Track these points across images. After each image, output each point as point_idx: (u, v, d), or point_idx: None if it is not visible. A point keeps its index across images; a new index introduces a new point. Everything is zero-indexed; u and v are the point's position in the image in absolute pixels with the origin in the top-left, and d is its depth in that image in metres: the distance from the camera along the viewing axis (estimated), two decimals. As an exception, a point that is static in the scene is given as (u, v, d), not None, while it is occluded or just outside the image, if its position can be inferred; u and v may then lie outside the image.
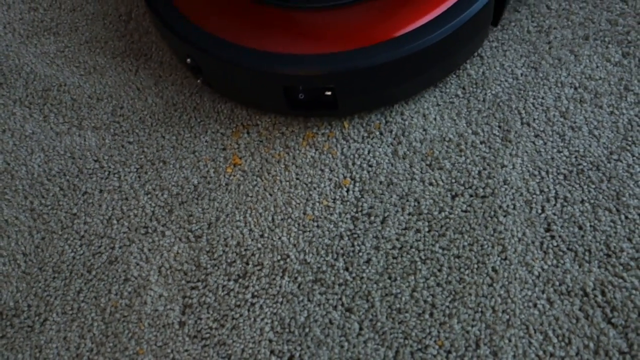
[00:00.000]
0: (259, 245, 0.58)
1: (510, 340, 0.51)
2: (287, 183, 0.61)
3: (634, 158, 0.58)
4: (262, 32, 0.61)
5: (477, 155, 0.61)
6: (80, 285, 0.57)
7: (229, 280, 0.56)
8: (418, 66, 0.61)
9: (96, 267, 0.58)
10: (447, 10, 0.60)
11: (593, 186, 0.57)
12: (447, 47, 0.61)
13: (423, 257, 0.56)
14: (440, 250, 0.56)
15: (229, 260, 0.57)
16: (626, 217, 0.55)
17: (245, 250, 0.58)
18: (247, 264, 0.57)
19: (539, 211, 0.57)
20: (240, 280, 0.56)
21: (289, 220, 0.59)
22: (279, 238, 0.58)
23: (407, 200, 0.59)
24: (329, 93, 0.61)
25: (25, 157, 0.66)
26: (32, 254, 0.60)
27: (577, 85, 0.64)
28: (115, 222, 0.61)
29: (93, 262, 0.59)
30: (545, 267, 0.54)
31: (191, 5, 0.64)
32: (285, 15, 0.62)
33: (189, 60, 0.64)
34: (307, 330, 0.53)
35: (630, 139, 0.60)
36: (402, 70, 0.60)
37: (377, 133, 0.63)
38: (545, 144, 0.61)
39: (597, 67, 0.65)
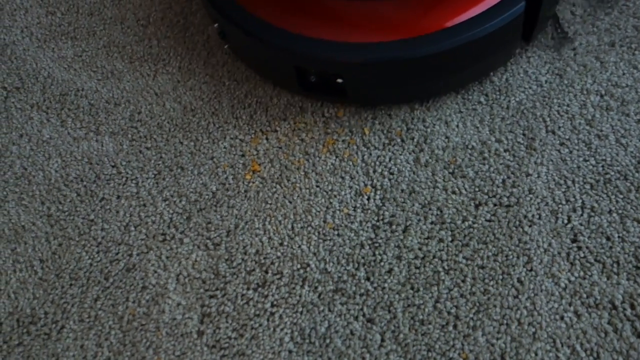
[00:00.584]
0: (279, 254, 0.57)
1: (536, 354, 0.49)
2: (307, 190, 0.60)
3: (663, 167, 0.57)
4: (284, 10, 0.62)
5: (501, 164, 0.59)
6: (97, 293, 0.57)
7: (248, 289, 0.55)
8: (427, 70, 0.61)
9: (113, 274, 0.58)
10: (467, 21, 0.58)
11: (621, 196, 0.56)
12: (457, 56, 0.59)
13: (446, 268, 0.54)
14: (464, 261, 0.54)
15: (248, 269, 0.56)
16: (656, 229, 0.54)
17: (265, 258, 0.57)
18: (267, 272, 0.56)
19: (565, 221, 0.55)
20: (259, 289, 0.55)
21: (309, 228, 0.58)
22: (299, 246, 0.57)
23: (430, 209, 0.58)
24: (340, 80, 0.61)
25: (42, 163, 0.66)
26: (49, 261, 0.59)
27: (603, 92, 0.62)
28: (132, 228, 0.60)
29: (110, 269, 0.58)
30: (572, 278, 0.52)
31: None
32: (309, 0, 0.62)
33: (216, 25, 0.67)
34: (327, 341, 0.52)
35: (658, 147, 0.58)
36: (411, 71, 0.60)
37: (399, 140, 0.62)
38: (571, 152, 0.59)
39: (624, 74, 0.63)
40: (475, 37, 0.57)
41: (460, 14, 0.58)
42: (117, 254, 0.59)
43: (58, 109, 0.70)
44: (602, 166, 0.58)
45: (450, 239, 0.56)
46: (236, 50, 0.70)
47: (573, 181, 0.57)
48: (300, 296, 0.54)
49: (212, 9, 0.64)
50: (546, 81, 0.64)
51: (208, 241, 0.59)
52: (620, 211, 0.55)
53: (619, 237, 0.54)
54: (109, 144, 0.67)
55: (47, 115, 0.70)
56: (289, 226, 0.58)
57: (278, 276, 0.56)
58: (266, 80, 0.69)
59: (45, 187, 0.64)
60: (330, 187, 0.60)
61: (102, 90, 0.71)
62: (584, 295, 0.51)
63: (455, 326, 0.51)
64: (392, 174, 0.60)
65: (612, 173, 0.57)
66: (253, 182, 0.62)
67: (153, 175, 0.63)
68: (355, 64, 0.59)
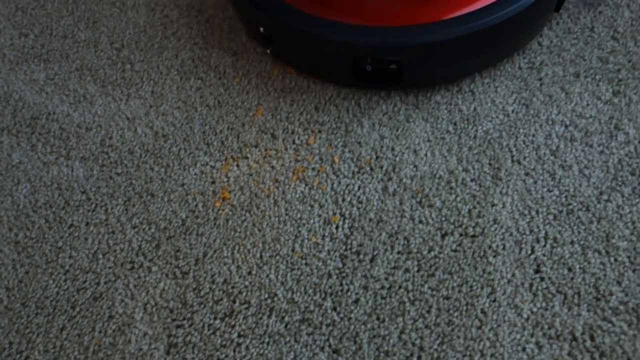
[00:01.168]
0: (247, 283, 0.57)
1: (498, 386, 0.50)
2: (276, 219, 0.61)
3: (624, 199, 0.58)
4: (335, 3, 0.64)
5: (467, 193, 0.60)
6: (63, 322, 0.57)
7: (215, 318, 0.56)
8: (481, 44, 0.63)
9: (80, 303, 0.58)
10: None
11: (583, 227, 0.57)
12: (511, 27, 0.63)
13: (412, 298, 0.55)
14: (429, 291, 0.55)
15: (215, 298, 0.57)
16: (615, 260, 0.55)
17: (233, 287, 0.57)
18: (234, 302, 0.56)
19: (529, 252, 0.56)
20: (226, 319, 0.55)
21: (277, 257, 0.58)
22: (267, 276, 0.57)
23: (397, 239, 0.58)
24: (394, 67, 0.63)
25: (11, 188, 0.66)
26: (16, 289, 0.59)
27: (567, 123, 0.64)
28: (101, 256, 0.60)
29: (77, 298, 0.58)
30: (535, 309, 0.53)
31: None
32: None
33: (261, 29, 0.68)
34: (293, 372, 0.52)
35: (620, 179, 0.60)
36: (466, 47, 0.63)
37: (368, 168, 0.63)
38: (535, 182, 0.60)
39: (588, 105, 0.65)
40: (527, 4, 0.61)
41: None
42: (84, 282, 0.59)
43: (28, 133, 0.70)
44: (565, 197, 0.59)
45: (416, 269, 0.57)
46: (283, 52, 0.70)
47: (537, 211, 0.59)
48: (267, 326, 0.55)
49: (257, 11, 0.65)
50: (513, 111, 0.65)
51: (176, 270, 0.59)
52: (581, 242, 0.56)
53: (580, 268, 0.55)
54: (79, 169, 0.66)
55: (17, 139, 0.70)
56: (258, 255, 0.59)
57: (245, 306, 0.56)
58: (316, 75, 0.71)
59: (14, 213, 0.64)
60: (299, 216, 0.61)
61: (73, 114, 0.71)
62: (546, 327, 0.52)
63: (419, 357, 0.52)
64: (360, 202, 0.61)
65: (575, 204, 0.59)
66: (223, 210, 0.62)
67: (123, 202, 0.63)
68: (415, 45, 0.61)
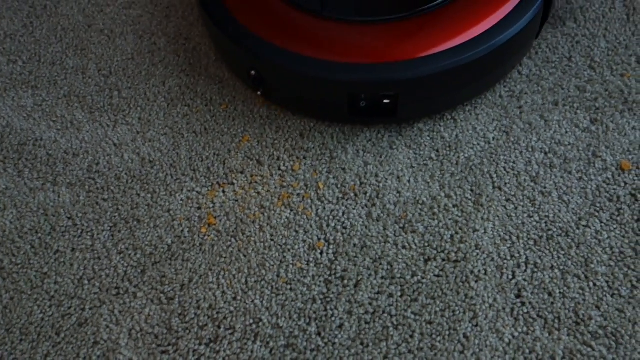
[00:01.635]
0: (232, 309, 0.57)
1: (481, 411, 0.51)
2: (262, 244, 0.61)
3: (602, 224, 0.60)
4: (327, 43, 0.65)
5: (449, 219, 0.61)
6: (48, 349, 0.56)
7: (200, 344, 0.56)
8: (473, 74, 0.65)
9: (65, 329, 0.57)
10: (497, 24, 0.64)
11: (562, 252, 0.58)
12: (501, 55, 0.65)
13: (395, 323, 0.56)
14: (413, 316, 0.56)
15: (200, 324, 0.57)
16: (594, 285, 0.56)
17: (218, 313, 0.57)
18: (219, 327, 0.57)
19: (510, 277, 0.57)
20: (211, 344, 0.56)
21: (263, 282, 0.59)
22: (252, 301, 0.58)
23: (381, 264, 0.59)
24: (387, 101, 0.65)
25: (-3, 214, 0.66)
26: (0, 315, 0.59)
27: (547, 150, 0.65)
28: (86, 282, 0.60)
29: (62, 324, 0.58)
30: (516, 334, 0.54)
31: (253, 19, 0.68)
32: (348, 28, 0.66)
33: (253, 72, 0.68)
34: (277, 398, 0.53)
35: (598, 205, 0.61)
36: (458, 78, 0.65)
37: (352, 194, 0.64)
38: (516, 208, 0.62)
39: (567, 132, 0.67)
40: (515, 32, 0.64)
41: (493, 15, 0.65)
42: (69, 308, 0.59)
43: (15, 159, 0.70)
44: (545, 222, 0.60)
45: (399, 294, 0.57)
46: (274, 93, 0.70)
47: (518, 237, 0.60)
48: (252, 352, 0.55)
49: (248, 54, 0.66)
50: (493, 138, 0.67)
51: (162, 295, 0.59)
52: (561, 267, 0.57)
53: (560, 292, 0.56)
54: (65, 195, 0.67)
55: (4, 165, 0.70)
56: (243, 280, 0.59)
57: (230, 331, 0.56)
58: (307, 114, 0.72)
59: (-1, 239, 0.64)
60: (284, 241, 0.61)
61: (61, 140, 0.71)
62: (527, 351, 0.53)
63: (402, 382, 0.52)
64: (345, 228, 0.62)
65: (555, 229, 0.60)
66: (208, 236, 0.62)
67: (109, 228, 0.64)
68: (410, 80, 0.63)
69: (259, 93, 0.71)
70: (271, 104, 0.72)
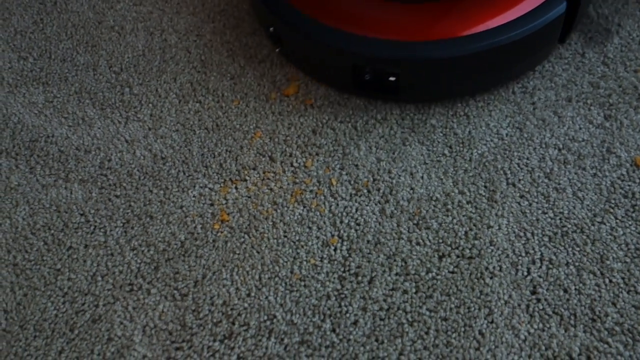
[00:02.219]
0: (246, 305, 0.57)
1: (497, 407, 0.50)
2: (275, 241, 0.61)
3: (617, 221, 0.59)
4: (338, 12, 0.67)
5: (463, 215, 0.61)
6: (62, 345, 0.56)
7: (214, 340, 0.56)
8: (477, 66, 0.65)
9: (79, 325, 0.57)
10: (516, 20, 0.64)
11: (578, 249, 0.58)
12: (507, 53, 0.64)
13: (410, 319, 0.55)
14: (428, 313, 0.56)
15: (214, 320, 0.57)
16: (610, 281, 0.56)
17: (232, 309, 0.57)
18: (233, 324, 0.56)
19: (525, 273, 0.57)
20: (226, 341, 0.56)
21: (276, 279, 0.59)
22: (266, 297, 0.58)
23: (395, 260, 0.59)
24: (392, 79, 0.66)
25: (9, 210, 0.66)
26: (14, 311, 0.59)
27: (560, 146, 0.65)
28: (99, 278, 0.60)
29: (76, 321, 0.58)
30: (532, 330, 0.54)
31: None
32: (365, 2, 0.67)
33: (271, 29, 0.71)
34: (293, 394, 0.52)
35: (613, 201, 0.61)
36: (464, 68, 0.65)
37: (365, 191, 0.64)
38: (530, 205, 0.61)
39: (580, 128, 0.66)
40: (528, 32, 0.63)
41: (508, 12, 0.64)
42: (83, 304, 0.59)
43: (27, 155, 0.70)
44: (560, 219, 0.60)
45: (414, 290, 0.57)
46: (288, 53, 0.74)
47: (532, 233, 0.59)
48: (266, 348, 0.55)
49: (269, 12, 0.69)
50: (507, 134, 0.67)
51: (175, 292, 0.59)
52: (577, 263, 0.57)
53: (575, 289, 0.56)
54: (77, 191, 0.67)
55: (15, 161, 0.70)
56: (257, 277, 0.59)
57: (245, 328, 0.56)
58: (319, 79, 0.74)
59: (12, 236, 0.64)
60: (297, 238, 0.61)
61: (72, 137, 0.71)
62: (543, 348, 0.53)
63: (418, 379, 0.52)
64: (358, 224, 0.62)
65: (569, 226, 0.60)
66: (221, 232, 0.62)
67: (122, 224, 0.64)
68: (411, 61, 0.63)
69: (277, 50, 0.74)
70: (282, 99, 0.72)
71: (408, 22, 0.65)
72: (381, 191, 0.64)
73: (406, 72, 0.65)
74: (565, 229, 0.59)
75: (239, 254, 0.61)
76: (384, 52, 0.63)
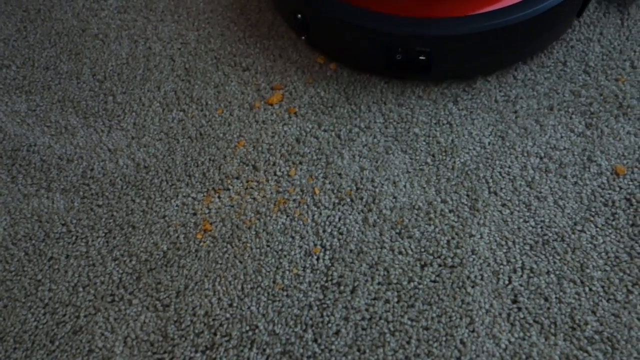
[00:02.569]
0: (228, 315, 0.57)
1: (478, 417, 0.51)
2: (258, 250, 0.61)
3: (597, 229, 0.60)
4: None
5: (446, 224, 0.61)
6: (42, 357, 0.56)
7: (196, 351, 0.55)
8: (505, 41, 0.67)
9: (59, 337, 0.57)
10: None
11: (558, 257, 0.58)
12: (535, 26, 0.66)
13: (392, 329, 0.55)
14: (409, 322, 0.56)
15: (196, 331, 0.57)
16: (590, 290, 0.56)
17: (214, 320, 0.57)
18: (215, 334, 0.56)
19: (506, 282, 0.57)
20: (207, 352, 0.55)
21: (259, 289, 0.59)
22: (248, 308, 0.58)
23: (377, 270, 0.59)
24: (423, 58, 0.67)
25: (-10, 220, 0.65)
26: (-6, 323, 0.58)
27: (542, 155, 0.65)
28: (81, 289, 0.60)
29: (57, 332, 0.57)
30: (512, 339, 0.54)
31: None
32: None
33: (299, 16, 0.72)
34: (274, 405, 0.52)
35: (593, 209, 0.61)
36: (492, 42, 0.66)
37: (348, 200, 0.64)
38: (512, 213, 0.62)
39: (562, 137, 0.67)
40: (554, 4, 0.65)
41: None
42: (64, 315, 0.58)
43: (9, 164, 0.70)
44: (541, 227, 0.60)
45: (396, 299, 0.57)
46: (316, 40, 0.74)
47: (514, 242, 0.60)
48: (248, 359, 0.55)
49: (296, 0, 0.71)
50: (489, 143, 0.67)
51: (157, 302, 0.59)
52: (557, 272, 0.57)
53: (556, 298, 0.56)
54: (59, 201, 0.66)
55: (-3, 171, 0.69)
56: (239, 287, 0.59)
57: (227, 338, 0.56)
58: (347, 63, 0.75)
59: (-7, 246, 0.64)
60: (280, 247, 0.61)
61: (55, 145, 0.71)
62: (523, 357, 0.53)
63: (399, 389, 0.52)
64: (341, 234, 0.62)
65: (550, 234, 0.60)
66: (204, 242, 0.62)
67: (103, 234, 0.63)
68: (443, 37, 0.65)
69: (303, 38, 0.75)
70: (267, 107, 0.72)
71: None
72: (364, 200, 0.64)
73: (438, 49, 0.66)
74: (546, 237, 0.60)
75: (221, 263, 0.61)
76: (417, 29, 0.65)
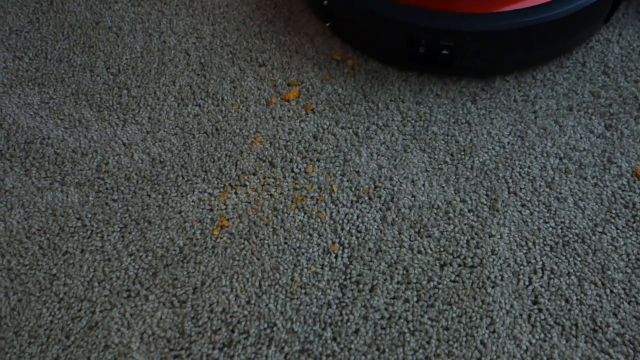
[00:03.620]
0: (245, 312, 0.57)
1: (499, 418, 0.50)
2: (275, 247, 0.61)
3: (618, 231, 0.59)
4: None
5: (465, 224, 0.61)
6: (57, 352, 0.55)
7: (213, 348, 0.55)
8: (530, 40, 0.67)
9: (75, 332, 0.56)
10: None
11: (579, 259, 0.58)
12: (560, 28, 0.66)
13: (412, 329, 0.55)
14: (429, 322, 0.55)
15: (214, 328, 0.56)
16: (611, 292, 0.56)
17: (231, 317, 0.56)
18: (233, 331, 0.56)
19: (527, 283, 0.57)
20: (225, 349, 0.55)
21: (277, 286, 0.58)
22: (266, 305, 0.57)
23: (396, 269, 0.58)
24: (445, 52, 0.67)
25: (4, 213, 0.65)
26: (8, 317, 0.58)
27: (562, 155, 0.65)
28: (96, 284, 0.59)
29: (72, 327, 0.57)
30: (533, 341, 0.54)
31: None
32: None
33: (325, 2, 0.72)
34: (293, 404, 0.52)
35: (614, 211, 0.61)
36: (517, 41, 0.66)
37: (366, 198, 0.63)
38: (531, 214, 0.61)
39: (581, 138, 0.66)
40: (581, 7, 0.65)
41: None
42: (79, 310, 0.58)
43: (22, 157, 0.69)
44: (561, 228, 0.60)
45: (415, 299, 0.57)
46: (340, 28, 0.75)
47: (534, 243, 0.59)
48: (266, 357, 0.54)
49: None
50: (508, 143, 0.67)
51: (174, 298, 0.58)
52: (578, 274, 0.57)
53: (577, 299, 0.56)
54: (74, 195, 0.66)
55: (10, 163, 0.69)
56: (257, 284, 0.58)
57: (244, 336, 0.55)
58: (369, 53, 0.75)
59: (6, 239, 0.63)
60: (298, 245, 0.61)
61: (68, 139, 0.70)
62: (545, 358, 0.53)
63: (420, 389, 0.52)
64: (359, 232, 0.61)
65: (571, 235, 0.59)
66: (221, 238, 0.62)
67: (119, 229, 0.63)
68: (468, 33, 0.65)
69: (327, 25, 0.76)
70: (283, 103, 0.72)
71: None
72: (382, 198, 0.63)
73: (462, 44, 0.66)
74: (566, 238, 0.59)
75: (238, 260, 0.60)
76: (442, 23, 0.65)
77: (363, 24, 0.70)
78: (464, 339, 0.54)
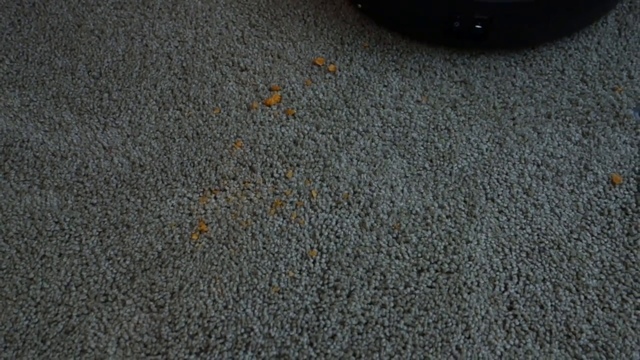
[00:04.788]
0: (223, 317, 0.57)
1: None
2: (254, 252, 0.61)
3: (593, 238, 0.60)
4: None
5: (443, 230, 0.61)
6: (33, 357, 0.55)
7: (190, 353, 0.55)
8: (559, 10, 0.69)
9: (51, 337, 0.56)
10: None
11: (554, 265, 0.59)
12: None
13: (388, 334, 0.55)
14: (405, 327, 0.56)
15: (191, 333, 0.56)
16: (585, 298, 0.56)
17: (208, 322, 0.57)
18: (210, 336, 0.56)
19: (502, 289, 0.57)
20: (202, 354, 0.55)
21: (254, 291, 0.58)
22: (244, 310, 0.57)
23: (374, 274, 0.59)
24: (479, 26, 0.69)
25: (-18, 216, 0.64)
26: (-16, 321, 0.57)
27: (539, 162, 0.66)
28: (73, 288, 0.59)
29: (48, 332, 0.56)
30: (508, 346, 0.54)
31: None
32: None
33: None
34: (269, 409, 0.52)
35: (589, 218, 0.61)
36: (550, 9, 0.69)
37: (345, 203, 0.64)
38: (509, 220, 0.62)
39: (559, 145, 0.67)
40: None
41: None
42: (56, 315, 0.57)
43: (1, 160, 0.69)
44: (537, 235, 0.61)
45: (392, 304, 0.57)
46: (371, 8, 0.77)
47: (510, 249, 0.60)
48: (243, 362, 0.54)
49: None
50: (487, 149, 0.67)
51: (151, 303, 0.58)
52: (553, 280, 0.58)
53: (551, 305, 0.56)
54: (53, 198, 0.65)
55: (-11, 166, 0.68)
56: (234, 289, 0.58)
57: (221, 341, 0.55)
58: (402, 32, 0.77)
59: (-16, 243, 0.62)
60: (276, 250, 0.61)
61: (48, 142, 0.70)
62: (519, 364, 0.53)
63: (395, 394, 0.52)
64: (338, 237, 0.61)
65: (547, 242, 0.60)
66: (199, 243, 0.62)
67: (97, 233, 0.63)
68: (503, 4, 0.67)
69: (359, 6, 0.77)
70: (264, 108, 0.72)
71: None
72: (361, 204, 0.64)
73: (496, 16, 0.68)
74: (542, 245, 0.60)
75: (216, 265, 0.60)
76: None
77: (397, 1, 0.72)
78: (440, 344, 0.55)
